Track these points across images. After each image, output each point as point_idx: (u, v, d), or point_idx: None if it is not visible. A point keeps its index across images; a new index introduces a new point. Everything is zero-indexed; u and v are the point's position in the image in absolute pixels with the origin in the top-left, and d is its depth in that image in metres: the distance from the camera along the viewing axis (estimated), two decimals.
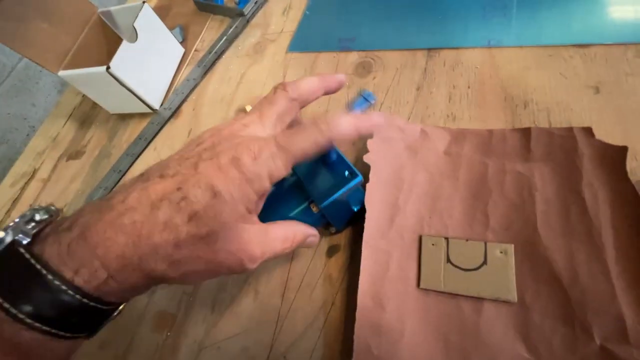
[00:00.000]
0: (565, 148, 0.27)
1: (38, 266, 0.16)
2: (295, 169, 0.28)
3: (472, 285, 0.24)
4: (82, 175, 0.45)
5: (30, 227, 0.18)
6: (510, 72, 0.33)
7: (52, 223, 0.19)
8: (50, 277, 0.16)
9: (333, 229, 0.29)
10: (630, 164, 0.25)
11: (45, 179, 0.47)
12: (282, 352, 0.26)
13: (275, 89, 0.24)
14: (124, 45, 0.41)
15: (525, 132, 0.28)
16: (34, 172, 0.48)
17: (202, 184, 0.18)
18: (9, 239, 0.17)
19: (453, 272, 0.25)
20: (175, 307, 0.31)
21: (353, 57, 0.40)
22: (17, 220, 0.18)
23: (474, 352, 0.22)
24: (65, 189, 0.44)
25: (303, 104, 0.24)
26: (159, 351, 0.29)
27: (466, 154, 0.30)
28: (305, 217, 0.26)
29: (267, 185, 0.20)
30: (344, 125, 0.21)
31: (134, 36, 0.42)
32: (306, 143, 0.20)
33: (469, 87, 0.33)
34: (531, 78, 0.32)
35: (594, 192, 0.24)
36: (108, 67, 0.39)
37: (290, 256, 0.30)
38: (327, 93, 0.25)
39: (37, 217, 0.19)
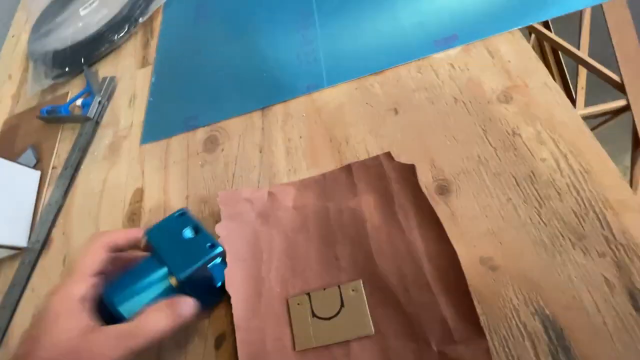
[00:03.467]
0: (378, 175, 0.30)
1: None
2: (152, 243, 0.28)
3: (337, 332, 0.26)
4: None
5: None
6: (329, 113, 0.36)
7: None
8: None
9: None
10: (432, 171, 0.30)
11: None
12: None
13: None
14: None
15: (348, 169, 0.32)
16: None
17: None
18: None
19: (319, 324, 0.27)
20: None
21: (200, 134, 0.41)
22: None
23: None
24: None
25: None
26: None
27: (310, 203, 0.32)
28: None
29: None
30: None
31: None
32: None
33: (300, 137, 0.36)
34: (346, 114, 0.35)
35: (405, 212, 0.28)
36: None
37: (183, 353, 0.30)
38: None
39: None
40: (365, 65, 0.37)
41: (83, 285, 0.24)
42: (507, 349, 0.22)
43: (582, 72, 0.73)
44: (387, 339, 0.25)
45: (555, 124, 0.28)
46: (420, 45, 0.36)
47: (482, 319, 0.23)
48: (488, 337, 0.23)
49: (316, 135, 0.36)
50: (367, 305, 0.26)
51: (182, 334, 0.31)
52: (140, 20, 0.54)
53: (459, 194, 0.28)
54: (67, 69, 0.54)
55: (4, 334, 0.39)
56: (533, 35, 0.76)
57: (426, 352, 0.23)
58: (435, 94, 0.33)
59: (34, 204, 0.46)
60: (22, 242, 0.43)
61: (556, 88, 0.29)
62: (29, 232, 0.44)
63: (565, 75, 0.78)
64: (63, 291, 0.24)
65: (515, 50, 0.32)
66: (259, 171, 0.36)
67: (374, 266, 0.27)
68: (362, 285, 0.27)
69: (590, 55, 0.69)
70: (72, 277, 0.25)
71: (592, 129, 0.78)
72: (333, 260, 0.29)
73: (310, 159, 0.34)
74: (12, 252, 0.43)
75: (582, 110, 0.66)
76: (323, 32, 0.42)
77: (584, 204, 0.25)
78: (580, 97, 0.72)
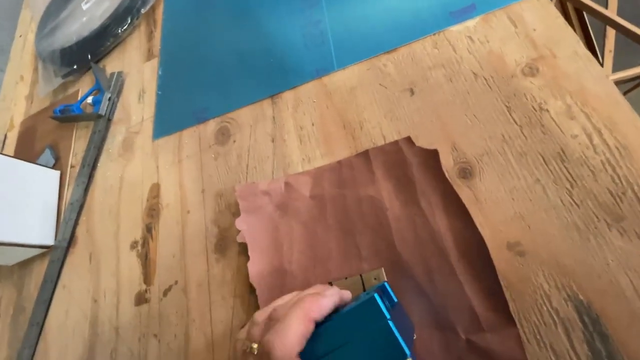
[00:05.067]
0: (398, 161, 0.29)
1: None
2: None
3: None
4: (4, 339, 0.43)
5: None
6: (341, 97, 0.35)
7: None
8: None
9: None
10: (453, 154, 0.28)
11: None
12: None
13: None
14: None
15: (365, 155, 0.31)
16: None
17: None
18: None
19: None
20: None
21: (211, 126, 0.41)
22: None
23: None
24: None
25: None
26: None
27: (327, 192, 0.31)
28: None
29: None
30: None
31: None
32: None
33: (313, 125, 0.35)
34: (359, 97, 0.34)
35: (428, 199, 0.27)
36: None
37: (210, 347, 0.31)
38: None
39: None
40: (376, 44, 0.35)
41: None
42: (538, 336, 0.22)
43: (611, 33, 0.68)
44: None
45: (587, 96, 0.26)
46: (435, 18, 0.34)
47: (510, 305, 0.23)
48: (518, 325, 0.22)
49: (329, 122, 0.34)
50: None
51: (209, 330, 0.31)
52: (142, 10, 0.53)
53: (482, 176, 0.27)
54: (75, 67, 0.54)
55: (41, 328, 0.41)
56: None
57: (453, 341, 0.23)
58: (453, 70, 0.31)
59: (56, 203, 0.47)
60: (49, 240, 0.44)
61: (587, 56, 0.27)
62: (54, 231, 0.46)
63: (591, 39, 0.73)
64: None
65: (541, 17, 0.30)
66: (272, 161, 0.35)
67: (397, 255, 0.26)
68: (384, 273, 0.26)
69: (619, 14, 0.64)
70: None
71: (622, 95, 0.74)
72: (354, 249, 0.28)
73: (324, 147, 0.33)
74: (41, 250, 0.44)
75: (610, 75, 0.62)
76: (330, 10, 0.40)
77: (621, 182, 0.23)
78: (608, 61, 0.68)
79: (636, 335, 0.20)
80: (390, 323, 0.18)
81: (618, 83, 0.64)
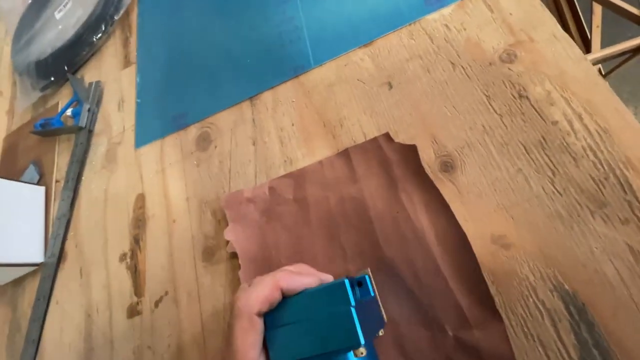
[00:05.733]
0: (378, 159, 0.28)
1: None
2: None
3: None
4: (1, 359, 0.43)
5: None
6: (319, 95, 0.34)
7: None
8: None
9: None
10: (434, 147, 0.28)
11: None
12: None
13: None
14: None
15: (346, 154, 0.30)
16: None
17: None
18: None
19: None
20: None
21: (192, 132, 0.40)
22: None
23: None
24: None
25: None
26: None
27: (310, 194, 0.31)
28: None
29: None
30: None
31: None
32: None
33: (293, 125, 0.34)
34: (338, 94, 0.33)
35: (409, 195, 0.26)
36: None
37: (203, 352, 0.31)
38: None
39: None
40: (352, 38, 0.34)
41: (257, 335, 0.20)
42: (525, 329, 0.22)
43: (597, 8, 0.67)
44: (400, 327, 0.24)
45: (567, 80, 0.25)
46: (410, 7, 0.33)
47: (497, 299, 0.22)
48: (505, 318, 0.22)
49: (308, 121, 0.34)
50: (377, 294, 0.26)
51: (201, 339, 0.31)
52: (116, 17, 0.52)
53: (464, 169, 0.26)
54: (52, 79, 0.53)
55: (37, 346, 0.41)
56: None
57: (441, 338, 0.23)
58: (430, 61, 0.30)
59: (44, 220, 0.47)
60: (39, 258, 0.44)
61: (565, 39, 0.26)
62: (43, 248, 0.45)
63: (579, 15, 0.72)
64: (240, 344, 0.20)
65: (517, 0, 0.29)
66: (254, 165, 0.35)
67: (381, 254, 0.26)
68: (370, 273, 0.26)
69: None
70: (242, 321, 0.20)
71: (611, 71, 0.73)
72: (339, 251, 0.28)
73: (305, 147, 0.33)
74: (31, 268, 0.44)
75: (598, 52, 0.61)
76: (304, 4, 0.39)
77: (603, 167, 0.23)
78: (596, 37, 0.67)
79: (621, 323, 0.20)
80: (352, 310, 0.19)
81: (607, 59, 0.63)
